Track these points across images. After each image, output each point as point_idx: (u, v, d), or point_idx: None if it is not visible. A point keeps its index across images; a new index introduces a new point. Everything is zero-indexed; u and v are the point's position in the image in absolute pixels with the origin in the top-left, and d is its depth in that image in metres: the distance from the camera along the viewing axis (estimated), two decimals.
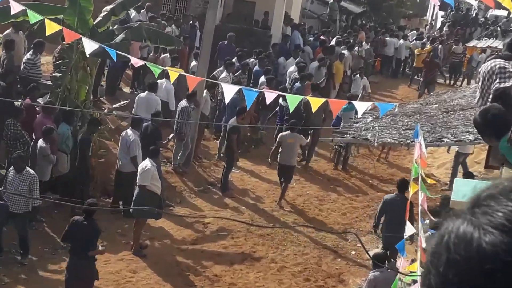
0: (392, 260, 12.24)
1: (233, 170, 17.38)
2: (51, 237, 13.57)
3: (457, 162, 18.35)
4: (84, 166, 14.42)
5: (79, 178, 14.44)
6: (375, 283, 10.56)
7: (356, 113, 16.22)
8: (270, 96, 12.86)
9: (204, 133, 19.12)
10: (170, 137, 16.49)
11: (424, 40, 32.34)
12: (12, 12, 11.91)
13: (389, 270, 10.42)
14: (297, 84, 20.55)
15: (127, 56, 12.39)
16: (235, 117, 16.93)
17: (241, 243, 14.34)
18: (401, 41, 31.27)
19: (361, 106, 14.32)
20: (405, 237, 9.14)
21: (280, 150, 16.50)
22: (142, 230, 13.68)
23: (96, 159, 15.25)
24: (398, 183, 13.60)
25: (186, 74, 13.50)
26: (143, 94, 17.11)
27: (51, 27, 11.28)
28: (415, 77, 29.31)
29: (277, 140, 16.68)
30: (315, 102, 12.44)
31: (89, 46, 11.48)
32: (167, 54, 19.68)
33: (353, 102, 15.31)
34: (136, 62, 12.27)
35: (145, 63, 11.89)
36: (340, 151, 19.64)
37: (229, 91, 12.88)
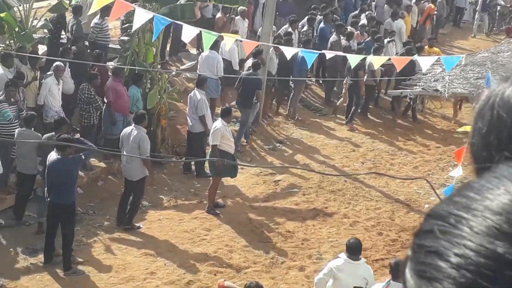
0: None
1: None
2: None
3: None
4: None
5: None
6: None
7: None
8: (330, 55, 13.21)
9: (271, 91, 19.02)
10: None
11: None
12: None
13: None
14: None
15: (180, 24, 12.47)
16: None
17: (312, 199, 14.35)
18: None
19: (425, 62, 14.19)
20: None
21: None
22: (217, 190, 13.81)
23: (167, 120, 15.40)
24: None
25: (242, 39, 13.48)
26: (205, 53, 17.06)
27: (101, 1, 11.32)
28: None
29: None
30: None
31: (140, 18, 11.55)
32: (239, 16, 19.55)
33: (417, 57, 15.14)
34: (188, 36, 12.18)
35: (200, 31, 11.79)
36: (410, 103, 19.31)
37: (289, 53, 13.07)
